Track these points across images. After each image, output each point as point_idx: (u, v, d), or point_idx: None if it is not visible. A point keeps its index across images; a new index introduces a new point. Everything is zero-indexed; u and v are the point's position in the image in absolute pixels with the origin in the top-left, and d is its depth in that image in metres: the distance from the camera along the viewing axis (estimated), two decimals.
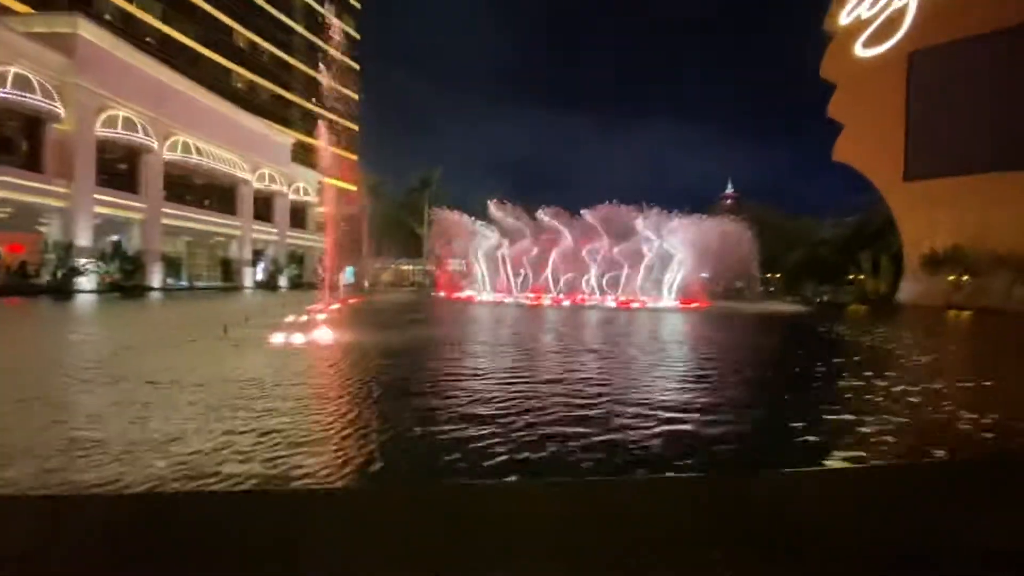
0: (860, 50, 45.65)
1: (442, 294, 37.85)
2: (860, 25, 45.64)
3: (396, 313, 20.98)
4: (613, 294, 32.94)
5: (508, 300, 31.88)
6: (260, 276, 46.40)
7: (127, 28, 45.94)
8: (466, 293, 36.09)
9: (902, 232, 44.81)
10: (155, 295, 29.90)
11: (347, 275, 65.09)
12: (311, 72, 78.83)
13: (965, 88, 40.25)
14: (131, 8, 51.55)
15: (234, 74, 65.27)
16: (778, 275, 64.16)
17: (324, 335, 10.87)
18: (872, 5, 44.90)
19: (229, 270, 42.67)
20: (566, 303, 30.66)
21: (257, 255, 46.48)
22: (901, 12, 43.24)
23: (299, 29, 76.65)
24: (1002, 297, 37.24)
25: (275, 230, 47.44)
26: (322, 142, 37.66)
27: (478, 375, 7.59)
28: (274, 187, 46.00)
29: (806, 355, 12.08)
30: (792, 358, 11.67)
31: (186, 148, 35.46)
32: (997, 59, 38.74)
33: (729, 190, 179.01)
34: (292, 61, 75.52)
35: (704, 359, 10.33)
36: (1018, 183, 37.67)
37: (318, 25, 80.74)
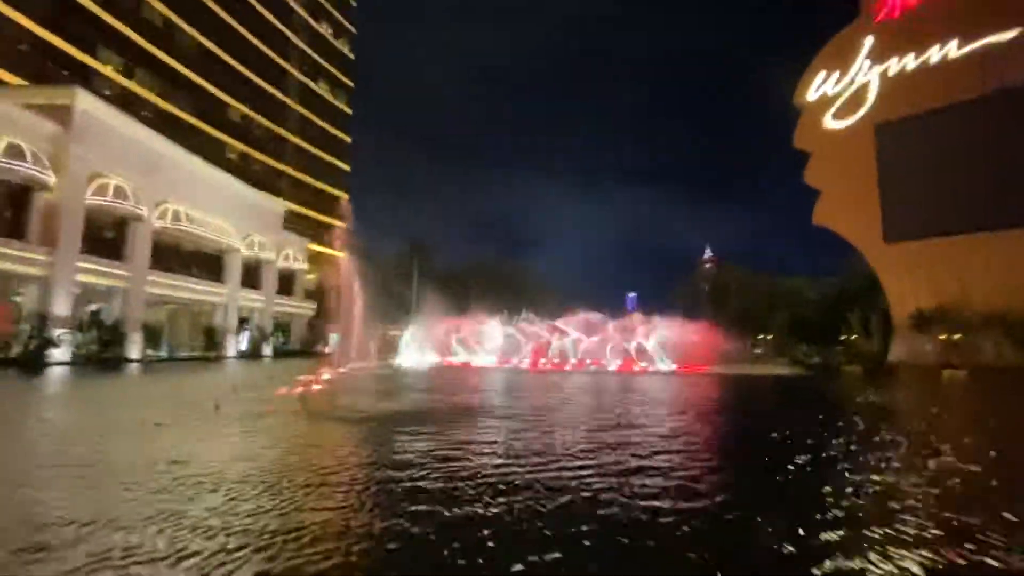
0: (830, 122, 48.48)
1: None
2: (828, 100, 48.76)
3: (399, 382, 19.99)
4: (614, 359, 32.37)
5: (508, 365, 31.04)
6: (244, 345, 44.89)
7: (124, 102, 47.00)
8: (460, 359, 35.22)
9: (887, 292, 45.61)
10: (133, 367, 28.36)
11: (333, 341, 63.76)
12: (303, 144, 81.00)
13: (930, 156, 42.51)
14: (129, 83, 53.10)
15: (227, 146, 66.64)
16: (768, 336, 64.27)
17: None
18: (837, 83, 48.21)
19: (212, 339, 41.18)
20: (567, 368, 29.94)
21: (242, 323, 45.20)
22: (864, 88, 46.42)
23: (292, 104, 79.37)
24: (993, 355, 37.49)
25: (262, 297, 46.49)
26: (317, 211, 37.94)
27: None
28: (263, 254, 45.54)
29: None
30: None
31: (176, 216, 35.15)
32: (956, 129, 41.27)
33: (708, 254, 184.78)
34: (284, 133, 77.62)
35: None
36: (990, 243, 39.06)
37: (311, 96, 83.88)
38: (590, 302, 43.94)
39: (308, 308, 55.20)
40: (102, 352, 29.20)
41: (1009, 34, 39.14)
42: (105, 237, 31.82)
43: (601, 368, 30.42)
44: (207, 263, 41.24)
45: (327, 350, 57.78)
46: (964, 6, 41.26)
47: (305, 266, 54.10)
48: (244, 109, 69.47)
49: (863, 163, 45.71)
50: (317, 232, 77.64)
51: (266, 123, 73.16)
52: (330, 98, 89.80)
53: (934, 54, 42.61)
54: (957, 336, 39.66)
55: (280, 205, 51.43)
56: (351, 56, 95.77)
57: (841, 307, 52.63)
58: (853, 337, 49.82)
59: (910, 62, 43.83)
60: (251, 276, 45.61)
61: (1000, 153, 39.26)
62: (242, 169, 60.42)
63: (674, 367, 31.60)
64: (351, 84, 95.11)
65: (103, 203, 30.02)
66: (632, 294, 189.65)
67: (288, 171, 77.52)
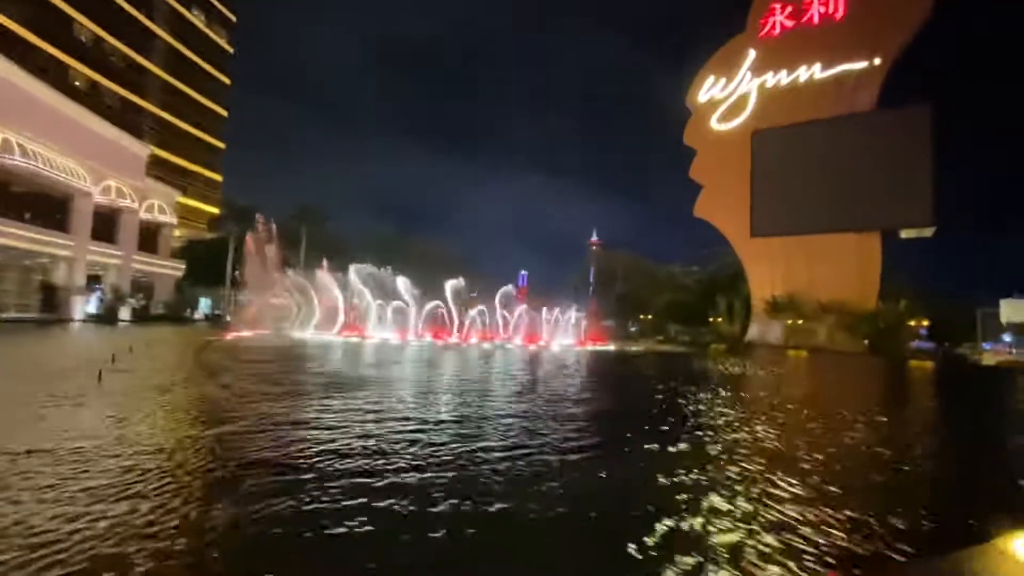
0: (715, 124, 53.11)
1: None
2: (715, 103, 53.26)
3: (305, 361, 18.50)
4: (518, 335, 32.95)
5: (411, 340, 30.17)
6: (94, 307, 38.70)
7: None
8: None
9: (750, 281, 51.73)
10: None
11: (202, 307, 57.47)
12: (172, 80, 70.44)
13: (792, 164, 48.46)
14: None
15: (73, 71, 55.80)
16: (648, 316, 69.67)
17: None
18: (723, 88, 52.78)
19: (53, 299, 34.87)
20: (473, 341, 29.91)
21: (93, 281, 38.86)
22: (746, 97, 51.38)
23: (158, 30, 68.32)
24: (827, 339, 44.41)
25: (119, 252, 40.18)
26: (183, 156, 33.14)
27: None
28: (121, 202, 39.21)
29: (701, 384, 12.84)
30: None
31: (6, 146, 28.79)
32: (813, 143, 47.46)
33: (594, 238, 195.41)
34: (148, 64, 66.75)
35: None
36: (832, 243, 45.85)
37: (183, 28, 72.90)
38: (487, 278, 43.75)
39: (175, 268, 48.99)
40: None
41: (860, 64, 45.51)
42: None
43: (506, 341, 30.93)
44: (47, 208, 34.59)
45: (197, 316, 52.08)
46: (828, 35, 47.09)
47: (173, 220, 47.69)
48: (96, 29, 58.51)
49: (740, 164, 50.84)
50: (186, 182, 68.80)
51: (125, 49, 62.36)
52: (206, 30, 78.91)
53: (802, 74, 48.29)
54: (801, 321, 46.30)
55: (143, 148, 44.39)
56: None
57: (713, 293, 58.80)
58: (719, 320, 56.04)
59: (783, 78, 49.27)
60: (106, 227, 39.18)
61: (842, 168, 45.89)
62: (93, 102, 51.19)
63: (571, 342, 33.08)
64: (232, 18, 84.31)
65: None
66: (524, 272, 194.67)
67: (152, 109, 67.16)
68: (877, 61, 44.80)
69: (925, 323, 45.84)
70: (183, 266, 49.94)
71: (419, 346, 24.94)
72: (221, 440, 5.36)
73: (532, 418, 7.37)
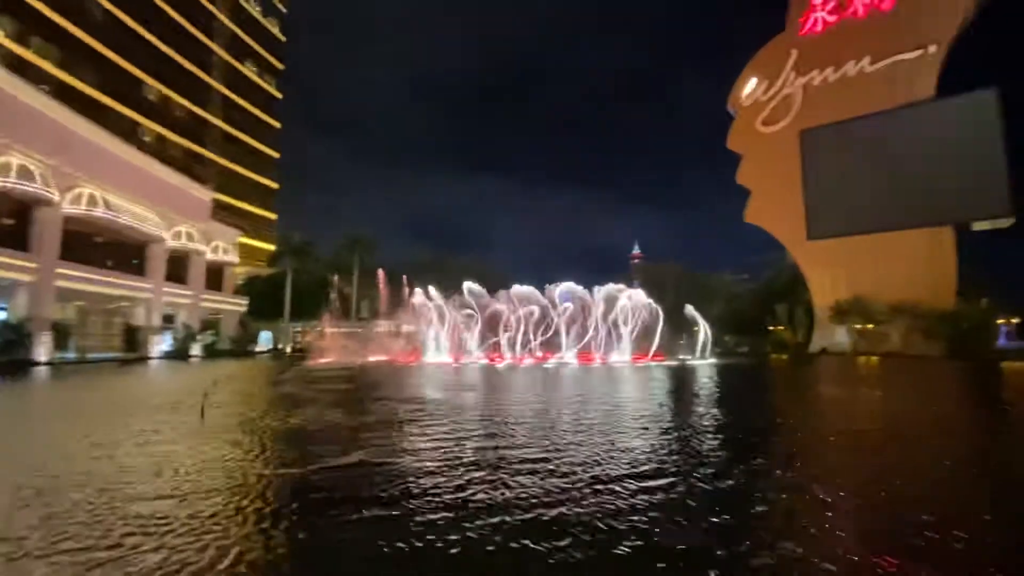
0: (760, 126, 51.74)
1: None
2: (759, 105, 52.00)
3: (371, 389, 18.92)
4: (572, 351, 32.58)
5: (466, 361, 30.40)
6: (167, 345, 41.08)
7: (17, 72, 41.30)
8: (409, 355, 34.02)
9: (810, 286, 49.42)
10: (43, 371, 25.06)
11: (263, 339, 59.87)
12: (229, 128, 75.29)
13: (846, 161, 46.47)
14: (25, 52, 46.88)
15: (142, 127, 60.59)
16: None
17: None
18: (767, 90, 51.53)
19: (134, 339, 37.28)
20: (528, 362, 29.80)
21: (167, 321, 41.35)
22: (791, 96, 49.94)
23: (215, 84, 73.44)
24: (901, 343, 41.69)
25: (189, 292, 42.72)
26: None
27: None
28: (190, 245, 41.83)
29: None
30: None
31: (92, 200, 31.34)
32: (868, 138, 45.40)
33: (636, 251, 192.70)
34: (207, 115, 71.69)
35: None
36: (898, 241, 43.35)
37: (236, 79, 77.99)
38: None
39: (239, 304, 51.52)
40: (4, 354, 25.53)
41: (914, 54, 43.49)
42: (6, 225, 27.81)
43: (563, 361, 30.62)
44: (126, 255, 37.28)
45: (259, 348, 54.36)
46: (876, 27, 45.38)
47: (236, 259, 50.38)
48: (161, 87, 63.49)
49: (789, 166, 49.19)
50: (244, 223, 72.71)
51: (187, 104, 67.31)
52: (258, 80, 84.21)
53: (851, 68, 46.58)
54: (871, 326, 43.71)
55: (208, 193, 47.44)
56: (281, 37, 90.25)
57: (769, 300, 56.50)
58: (780, 328, 53.66)
59: (830, 75, 47.66)
60: (176, 269, 41.79)
61: (904, 161, 43.64)
62: (159, 154, 55.17)
63: (628, 358, 32.41)
64: (280, 66, 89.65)
65: (4, 184, 26.16)
66: (566, 292, 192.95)
67: (212, 157, 71.81)
68: (932, 49, 42.69)
69: (1015, 320, 42.32)
70: (246, 302, 52.47)
71: (482, 369, 24.98)
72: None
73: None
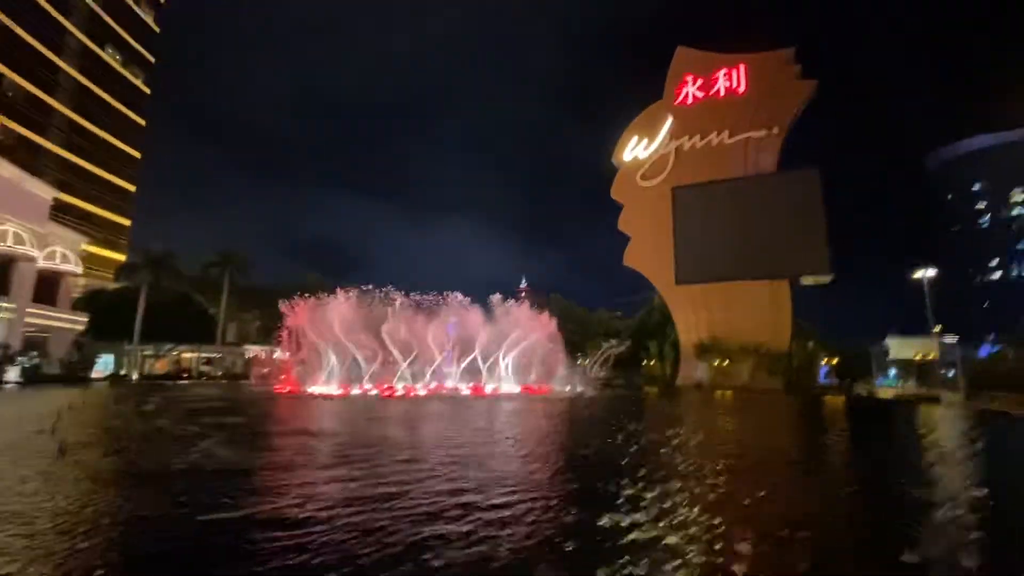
0: (640, 180, 57.28)
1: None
2: (638, 162, 57.68)
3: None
4: (465, 382, 32.54)
5: (355, 392, 28.89)
6: None
7: None
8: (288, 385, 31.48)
9: (677, 325, 54.76)
10: None
11: (102, 363, 51.46)
12: (78, 118, 65.50)
13: (709, 216, 52.93)
14: None
15: None
16: (584, 362, 71.16)
17: None
18: (646, 148, 57.47)
19: None
20: (421, 392, 29.17)
21: None
22: (666, 156, 56.17)
23: (62, 64, 63.87)
24: (749, 378, 47.60)
25: (9, 305, 35.70)
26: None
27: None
28: (18, 249, 35.24)
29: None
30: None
31: None
32: (726, 199, 52.30)
33: (523, 284, 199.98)
34: (53, 101, 61.81)
35: None
36: (747, 289, 49.89)
37: (94, 63, 68.59)
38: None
39: (75, 321, 44.11)
40: None
41: (760, 133, 51.54)
42: None
43: (454, 392, 30.40)
44: None
45: (95, 374, 46.61)
46: (733, 107, 53.13)
47: (78, 268, 43.37)
48: None
49: (663, 218, 54.81)
50: (91, 228, 63.12)
51: (26, 85, 57.51)
52: (120, 69, 74.97)
53: (714, 139, 53.80)
54: (726, 362, 49.43)
55: (47, 190, 40.57)
56: (154, 27, 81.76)
57: (642, 337, 61.53)
58: (652, 363, 58.54)
59: (698, 142, 54.59)
60: None
61: (751, 221, 50.80)
62: None
63: (518, 389, 33.17)
64: (151, 59, 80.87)
65: None
66: (453, 319, 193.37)
67: (54, 149, 61.73)
68: (775, 130, 50.99)
69: (835, 361, 50.44)
70: (85, 319, 45.05)
71: (376, 401, 23.92)
72: None
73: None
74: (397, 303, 33.93)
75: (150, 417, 14.79)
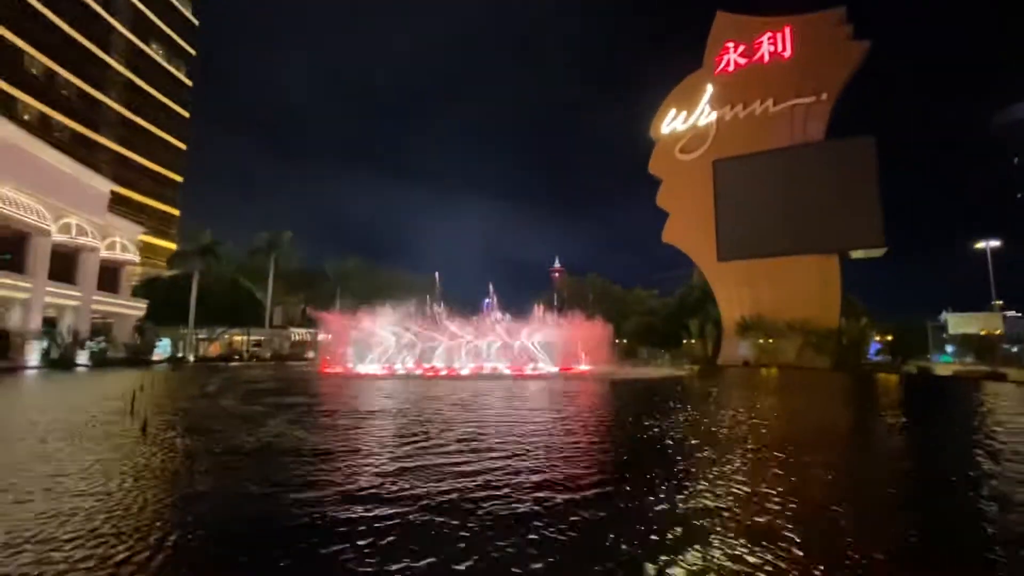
0: (679, 154, 55.65)
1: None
2: (677, 135, 55.95)
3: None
4: (506, 363, 32.86)
5: (400, 372, 29.63)
6: (48, 352, 36.17)
7: None
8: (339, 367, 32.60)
9: (719, 302, 53.52)
10: None
11: (162, 347, 54.33)
12: (128, 113, 68.20)
13: (753, 190, 51.10)
14: None
15: (20, 103, 53.30)
16: (623, 340, 70.70)
17: None
18: (685, 120, 55.63)
19: (4, 345, 32.44)
20: (464, 372, 29.63)
21: (49, 325, 36.43)
22: (706, 128, 54.26)
23: (112, 62, 66.38)
24: (795, 357, 46.26)
25: (77, 293, 37.99)
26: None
27: None
28: (82, 240, 37.28)
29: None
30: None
31: None
32: (771, 170, 50.27)
33: (556, 264, 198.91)
34: (104, 98, 64.50)
35: None
36: (794, 265, 48.20)
37: (140, 61, 71.04)
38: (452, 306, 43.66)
39: (136, 307, 46.59)
40: None
41: (808, 99, 49.01)
42: None
43: (495, 372, 30.75)
44: (1, 248, 32.55)
45: (157, 358, 49.30)
46: (778, 73, 50.62)
47: (136, 258, 45.64)
48: (47, 61, 56.33)
49: (704, 192, 53.25)
50: (143, 219, 66.09)
51: (79, 83, 60.16)
52: (164, 63, 77.40)
53: (757, 107, 51.54)
54: (770, 340, 48.14)
55: (106, 184, 42.61)
56: (193, 19, 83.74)
57: (681, 315, 60.52)
58: (692, 341, 57.59)
59: (740, 111, 52.42)
60: (64, 268, 37.08)
61: (798, 194, 48.76)
62: (45, 137, 48.97)
63: (556, 369, 33.25)
64: (191, 51, 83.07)
65: None
66: (488, 300, 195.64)
67: (107, 144, 64.62)
68: (824, 96, 48.38)
69: (889, 338, 48.41)
70: (144, 305, 47.54)
71: (423, 381, 24.45)
72: None
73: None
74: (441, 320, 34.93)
75: (215, 397, 15.56)
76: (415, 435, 8.68)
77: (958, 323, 47.43)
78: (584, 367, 34.50)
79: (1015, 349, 48.79)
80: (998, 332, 44.37)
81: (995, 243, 47.14)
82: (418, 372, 29.53)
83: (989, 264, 46.31)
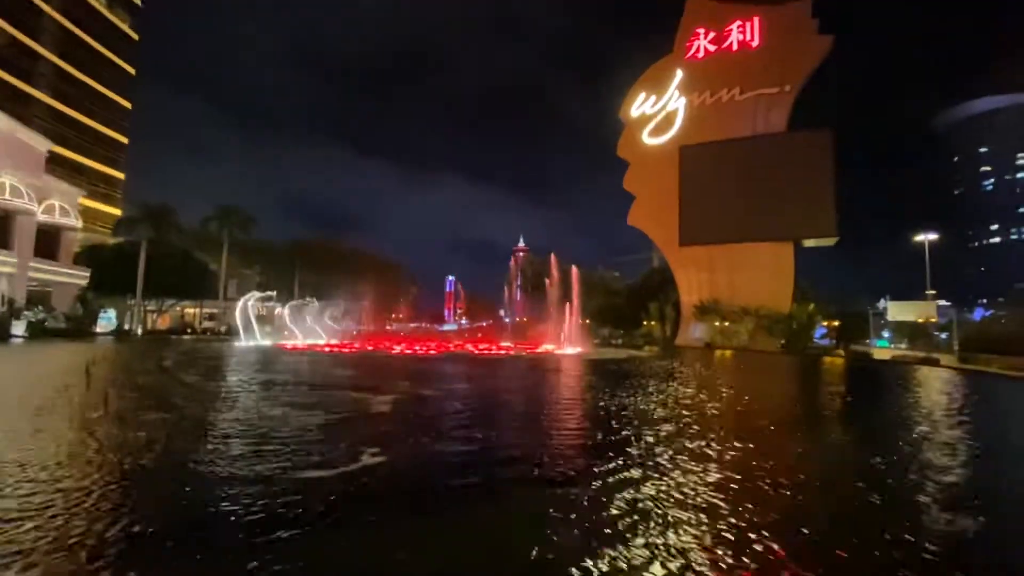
0: (646, 138, 56.18)
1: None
2: (646, 119, 56.39)
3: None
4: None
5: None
6: None
7: None
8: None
9: (679, 285, 55.01)
10: None
11: (105, 319, 51.62)
12: (65, 66, 62.93)
13: (718, 177, 52.21)
14: None
15: None
16: (585, 321, 71.81)
17: None
18: (654, 104, 56.05)
19: None
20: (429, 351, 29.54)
21: None
22: (674, 113, 54.90)
23: (44, 6, 60.77)
24: (748, 340, 48.31)
25: (11, 259, 35.45)
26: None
27: None
28: (16, 202, 34.67)
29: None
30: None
31: None
32: (739, 158, 51.37)
33: (521, 244, 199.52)
34: (36, 46, 59.16)
35: None
36: (750, 252, 49.94)
37: (78, 7, 65.31)
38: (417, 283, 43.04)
39: (78, 276, 43.99)
40: None
41: (772, 90, 50.21)
42: None
43: (460, 349, 30.85)
44: None
45: (99, 329, 46.84)
46: (745, 62, 51.51)
47: (77, 223, 42.86)
48: None
49: (669, 177, 54.11)
50: (84, 181, 61.83)
51: (9, 28, 54.88)
52: (106, 12, 71.59)
53: (724, 95, 52.44)
54: (726, 323, 50.02)
55: (43, 142, 39.54)
56: None
57: (643, 298, 61.99)
58: (652, 323, 59.18)
59: (707, 98, 53.23)
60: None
61: (758, 183, 50.20)
62: None
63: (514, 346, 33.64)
64: (137, 2, 76.99)
65: None
66: (451, 277, 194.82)
67: (42, 98, 59.63)
68: (787, 88, 49.66)
69: (836, 323, 51.07)
70: (87, 274, 44.87)
71: (385, 356, 24.22)
72: None
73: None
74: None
75: (175, 373, 14.98)
76: (396, 408, 8.63)
77: (897, 311, 50.43)
78: (550, 347, 34.97)
79: (944, 335, 52.39)
80: (932, 319, 47.50)
81: (932, 236, 50.15)
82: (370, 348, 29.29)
83: (926, 256, 49.31)
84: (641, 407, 9.81)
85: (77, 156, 63.20)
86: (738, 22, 52.27)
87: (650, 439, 6.78)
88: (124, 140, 74.52)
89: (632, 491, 4.51)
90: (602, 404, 10.35)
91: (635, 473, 5.12)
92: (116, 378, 13.99)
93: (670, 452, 6.03)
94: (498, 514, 4.17)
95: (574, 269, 39.70)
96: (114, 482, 4.64)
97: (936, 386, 17.91)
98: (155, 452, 5.81)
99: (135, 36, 75.85)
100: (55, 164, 54.40)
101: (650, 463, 5.50)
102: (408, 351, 28.67)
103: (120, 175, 74.72)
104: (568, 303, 42.79)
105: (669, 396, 11.64)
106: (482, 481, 4.95)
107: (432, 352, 28.61)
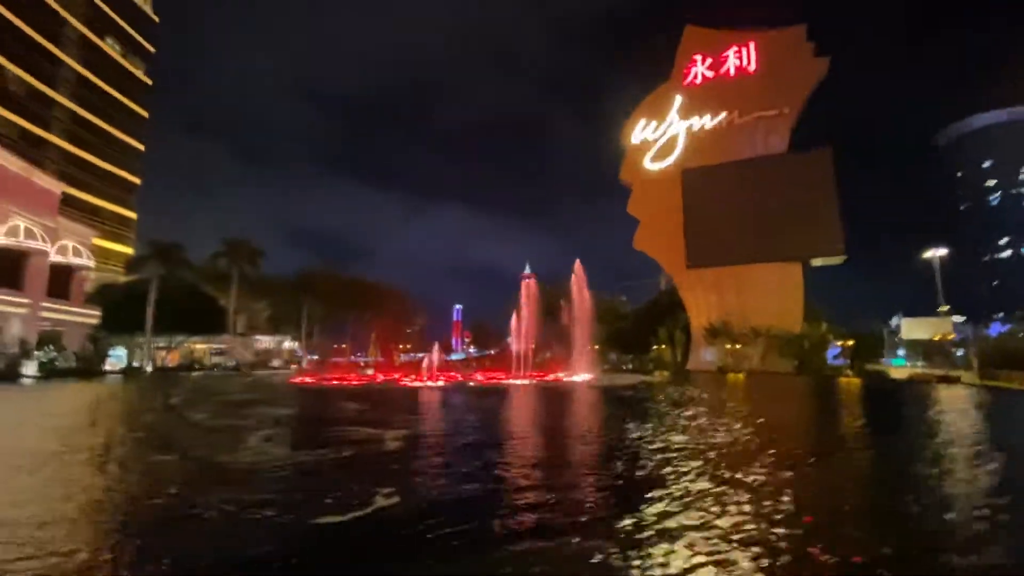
0: (649, 163, 56.71)
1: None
2: (647, 144, 57.03)
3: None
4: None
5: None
6: None
7: None
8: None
9: (688, 309, 54.58)
10: None
11: (114, 357, 51.67)
12: (81, 111, 64.98)
13: (722, 199, 52.35)
14: None
15: None
16: (594, 347, 71.22)
17: None
18: (655, 130, 56.76)
19: None
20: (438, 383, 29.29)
21: None
22: (675, 138, 55.52)
23: (64, 56, 63.22)
24: (760, 362, 47.58)
25: (24, 300, 35.83)
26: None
27: None
28: (30, 244, 35.24)
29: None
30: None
31: None
32: (741, 180, 51.61)
33: (527, 270, 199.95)
34: (55, 94, 61.29)
35: None
36: (758, 273, 49.63)
37: (95, 54, 67.77)
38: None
39: (90, 316, 44.31)
40: None
41: (771, 112, 50.79)
42: None
43: (468, 380, 30.53)
44: None
45: (111, 368, 46.91)
46: (744, 86, 52.29)
47: (90, 263, 43.41)
48: None
49: (673, 200, 54.31)
50: (98, 221, 63.05)
51: (27, 78, 57.00)
52: (121, 60, 74.25)
53: (723, 119, 53.08)
54: (737, 346, 49.36)
55: (57, 184, 40.49)
56: (152, 16, 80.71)
57: (651, 322, 61.41)
58: (662, 347, 58.50)
59: (707, 122, 53.88)
60: (10, 272, 34.97)
61: (762, 204, 50.25)
62: None
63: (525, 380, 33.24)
64: (151, 48, 79.99)
65: None
66: (458, 306, 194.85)
67: (58, 143, 61.40)
68: (786, 110, 50.23)
69: (850, 343, 50.23)
70: (97, 313, 45.22)
71: (400, 388, 23.99)
72: None
73: None
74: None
75: (188, 411, 14.84)
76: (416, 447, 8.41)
77: (911, 328, 49.68)
78: (560, 375, 34.57)
79: (961, 352, 51.40)
80: (950, 336, 46.68)
81: (942, 252, 49.65)
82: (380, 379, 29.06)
83: (937, 272, 48.73)
84: (670, 446, 9.52)
85: (91, 197, 64.66)
86: (735, 48, 53.30)
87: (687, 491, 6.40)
88: (137, 181, 76.20)
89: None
90: (623, 439, 10.07)
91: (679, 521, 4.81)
92: (121, 418, 13.87)
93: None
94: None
95: (586, 295, 39.43)
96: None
97: (964, 407, 17.41)
98: (157, 504, 5.64)
99: (148, 81, 78.42)
100: (70, 206, 55.66)
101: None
102: (417, 381, 28.41)
103: (133, 215, 76.13)
104: (577, 329, 42.54)
105: (698, 434, 11.30)
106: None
107: (441, 382, 28.35)
